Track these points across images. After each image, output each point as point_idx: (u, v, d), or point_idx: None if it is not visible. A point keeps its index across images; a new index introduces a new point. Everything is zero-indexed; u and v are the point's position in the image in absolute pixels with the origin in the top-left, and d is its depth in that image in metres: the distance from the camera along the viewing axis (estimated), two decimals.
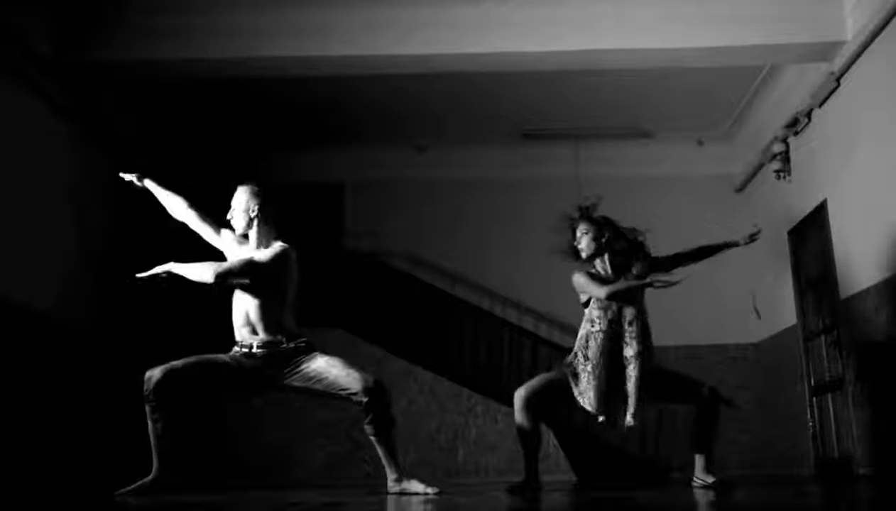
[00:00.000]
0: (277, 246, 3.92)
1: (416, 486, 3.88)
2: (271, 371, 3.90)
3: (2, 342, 5.45)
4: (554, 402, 4.27)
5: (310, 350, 3.93)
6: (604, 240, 4.31)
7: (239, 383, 3.93)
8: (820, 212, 6.74)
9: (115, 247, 7.09)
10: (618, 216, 9.02)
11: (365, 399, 3.79)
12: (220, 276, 3.77)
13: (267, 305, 3.89)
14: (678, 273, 4.22)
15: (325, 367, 3.86)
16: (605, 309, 4.17)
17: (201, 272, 3.78)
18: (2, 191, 5.59)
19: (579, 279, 4.25)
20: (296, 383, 3.92)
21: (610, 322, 4.15)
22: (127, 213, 7.08)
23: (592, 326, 4.19)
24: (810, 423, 7.02)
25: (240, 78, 7.01)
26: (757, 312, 8.41)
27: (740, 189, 8.81)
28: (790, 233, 7.47)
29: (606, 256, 4.31)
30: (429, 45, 6.23)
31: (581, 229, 4.34)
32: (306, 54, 6.25)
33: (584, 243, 4.31)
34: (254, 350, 3.88)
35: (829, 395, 6.67)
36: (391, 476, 3.92)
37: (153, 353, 4.26)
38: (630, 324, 4.16)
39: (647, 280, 4.13)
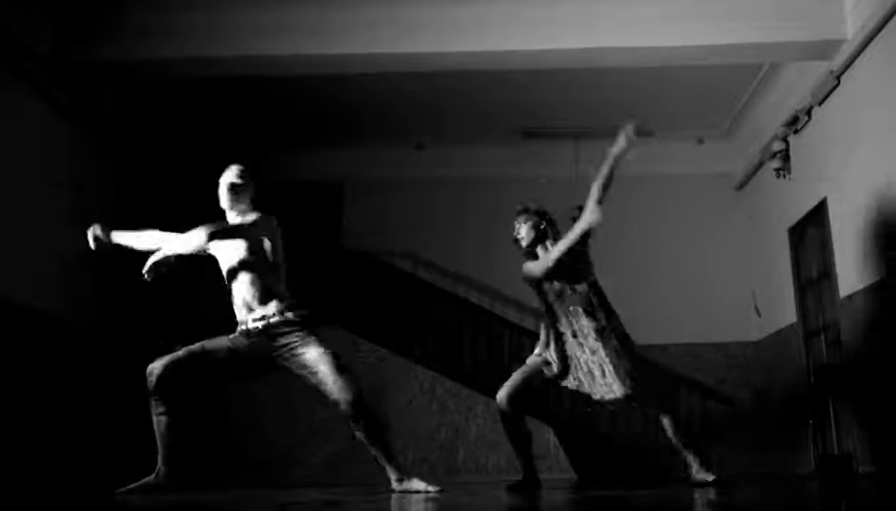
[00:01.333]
0: (257, 214, 3.96)
1: (417, 484, 3.89)
2: (267, 348, 3.89)
3: (2, 341, 5.45)
4: (537, 394, 4.29)
5: (304, 326, 3.89)
6: (542, 227, 4.34)
7: (241, 366, 3.93)
8: (820, 210, 6.74)
9: (115, 246, 7.08)
10: (618, 214, 9.05)
11: (349, 412, 3.80)
12: (212, 235, 3.75)
13: (257, 279, 3.90)
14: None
15: (315, 361, 3.84)
16: (559, 293, 4.19)
17: (193, 239, 3.74)
18: (2, 190, 5.59)
19: (526, 266, 4.28)
20: (292, 368, 3.92)
21: (567, 305, 4.16)
22: (127, 213, 7.08)
23: (551, 313, 4.21)
24: (810, 422, 7.02)
25: (240, 77, 7.02)
26: (757, 311, 8.41)
27: (740, 187, 8.81)
28: (790, 231, 7.48)
29: (548, 244, 4.32)
30: (429, 43, 6.23)
31: (519, 220, 4.42)
32: (306, 53, 6.25)
33: (524, 232, 4.39)
34: (249, 325, 3.88)
35: (829, 394, 6.67)
36: (393, 477, 3.93)
37: (153, 353, 4.26)
38: (589, 299, 4.16)
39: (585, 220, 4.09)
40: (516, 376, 4.26)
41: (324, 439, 7.07)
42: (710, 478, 4.08)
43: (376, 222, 8.78)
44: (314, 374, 3.85)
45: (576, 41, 6.21)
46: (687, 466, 4.22)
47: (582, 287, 4.17)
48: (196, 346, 3.86)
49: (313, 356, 3.85)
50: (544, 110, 8.40)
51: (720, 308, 8.56)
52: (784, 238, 7.60)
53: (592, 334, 4.07)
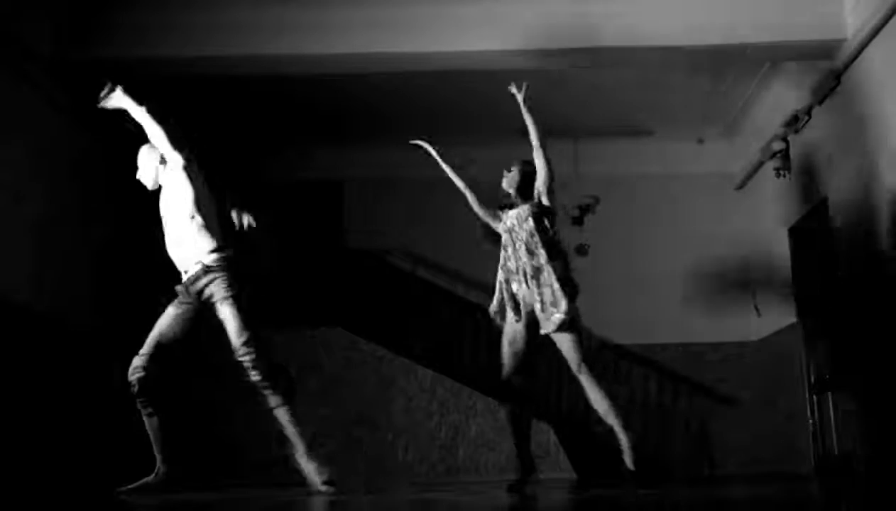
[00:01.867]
0: None
1: (312, 473, 3.89)
2: (198, 300, 3.92)
3: (1, 342, 5.44)
4: (533, 355, 4.28)
5: (226, 273, 3.90)
6: (530, 177, 4.55)
7: (194, 324, 3.97)
8: (820, 209, 6.74)
9: (115, 246, 7.08)
10: (618, 214, 9.05)
11: (255, 377, 3.88)
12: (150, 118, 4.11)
13: (182, 223, 3.97)
14: None
15: (224, 320, 3.89)
16: (508, 231, 4.36)
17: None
18: (1, 190, 5.58)
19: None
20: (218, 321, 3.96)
21: (514, 242, 4.29)
22: (127, 212, 7.08)
23: (505, 251, 4.34)
24: (810, 421, 7.02)
25: (240, 76, 7.00)
26: (757, 310, 8.41)
27: (740, 187, 8.81)
28: (790, 230, 7.48)
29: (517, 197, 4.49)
30: (428, 42, 6.23)
31: (514, 166, 4.68)
32: (306, 52, 6.24)
33: (512, 175, 4.63)
34: (183, 279, 3.95)
35: (830, 393, 6.68)
36: (298, 450, 3.95)
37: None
38: (532, 235, 4.25)
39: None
40: (504, 355, 4.27)
41: (324, 439, 7.07)
42: (631, 466, 4.02)
43: (376, 222, 8.78)
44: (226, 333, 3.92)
45: (575, 41, 6.20)
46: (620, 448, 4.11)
47: (528, 224, 4.26)
48: (154, 334, 3.90)
49: (222, 315, 3.89)
50: (543, 110, 8.31)
51: (720, 308, 8.55)
52: (784, 237, 7.59)
53: (529, 272, 4.16)
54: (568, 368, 4.17)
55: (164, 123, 4.02)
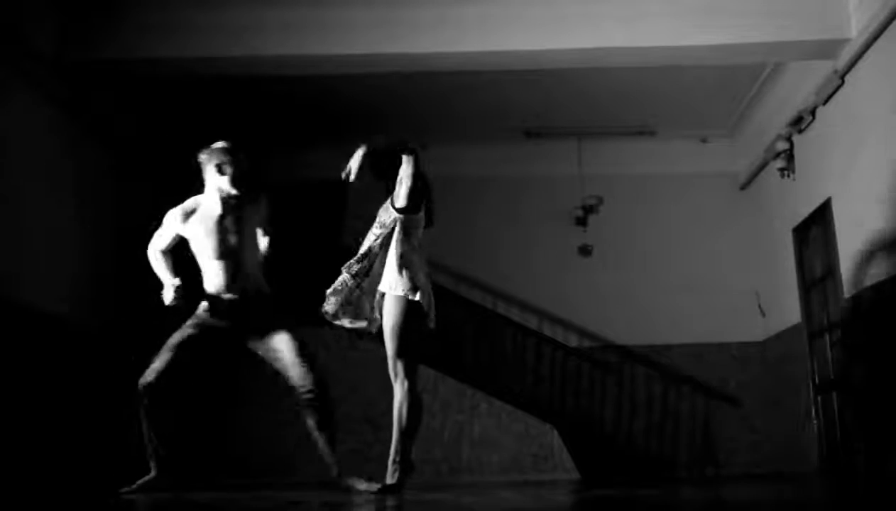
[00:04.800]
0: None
1: (358, 483, 3.97)
2: (237, 323, 4.07)
3: (6, 342, 5.44)
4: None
5: (271, 308, 4.14)
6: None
7: (213, 347, 4.10)
8: (824, 209, 6.72)
9: (118, 245, 7.08)
10: (621, 214, 9.01)
11: (309, 397, 4.00)
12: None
13: (249, 253, 4.18)
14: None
15: (281, 346, 4.05)
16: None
17: None
18: (3, 190, 5.59)
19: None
20: (258, 349, 4.10)
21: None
22: (129, 212, 7.08)
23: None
24: (815, 421, 7.00)
25: (242, 76, 7.01)
26: (761, 310, 8.39)
27: (744, 187, 8.79)
28: (794, 230, 7.46)
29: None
30: (432, 42, 6.22)
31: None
32: (309, 53, 6.24)
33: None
34: (223, 296, 4.06)
35: (834, 393, 6.66)
36: (333, 472, 4.07)
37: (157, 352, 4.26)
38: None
39: None
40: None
41: None
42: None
43: None
44: (279, 359, 4.05)
45: (579, 40, 6.18)
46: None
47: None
48: (169, 347, 3.97)
49: (278, 342, 4.06)
50: (547, 110, 8.38)
51: (724, 308, 8.54)
52: (788, 238, 7.57)
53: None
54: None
55: None
